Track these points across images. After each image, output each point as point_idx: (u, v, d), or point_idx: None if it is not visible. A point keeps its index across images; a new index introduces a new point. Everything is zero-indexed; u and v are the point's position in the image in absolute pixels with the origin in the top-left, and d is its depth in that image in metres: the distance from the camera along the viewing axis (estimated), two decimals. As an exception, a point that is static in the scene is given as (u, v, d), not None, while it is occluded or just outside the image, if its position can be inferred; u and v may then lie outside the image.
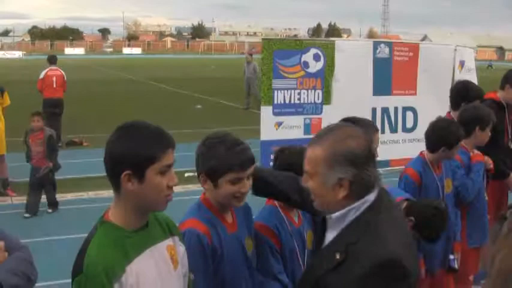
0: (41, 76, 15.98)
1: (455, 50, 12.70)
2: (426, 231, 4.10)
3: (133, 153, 2.44)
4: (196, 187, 8.42)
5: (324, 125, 10.92)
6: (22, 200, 10.10)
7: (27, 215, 9.81)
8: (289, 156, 3.70)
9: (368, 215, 2.50)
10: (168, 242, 2.72)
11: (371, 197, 2.53)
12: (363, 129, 3.89)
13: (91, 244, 2.48)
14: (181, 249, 2.80)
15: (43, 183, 10.07)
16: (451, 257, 5.15)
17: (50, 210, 10.10)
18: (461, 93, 6.36)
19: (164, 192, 2.52)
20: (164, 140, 2.52)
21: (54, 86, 15.94)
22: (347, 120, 3.96)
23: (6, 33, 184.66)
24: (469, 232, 5.50)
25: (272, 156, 12.64)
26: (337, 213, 2.55)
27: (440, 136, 4.91)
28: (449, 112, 6.62)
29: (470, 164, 5.49)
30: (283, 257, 3.54)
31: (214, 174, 3.02)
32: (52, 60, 16.56)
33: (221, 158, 2.99)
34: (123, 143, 2.48)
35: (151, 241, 2.61)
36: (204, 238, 2.99)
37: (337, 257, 2.45)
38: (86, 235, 2.57)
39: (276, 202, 3.63)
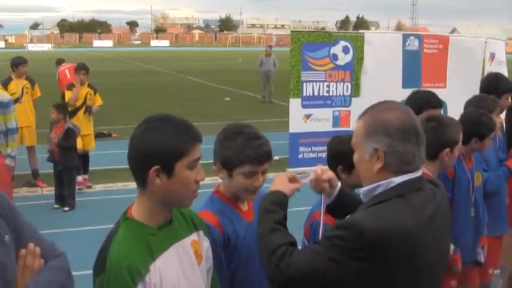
0: (57, 77, 16.04)
1: (486, 42, 12.56)
2: None
3: (162, 148, 2.36)
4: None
5: (352, 117, 10.94)
6: (52, 190, 10.17)
7: (56, 205, 9.90)
8: (338, 145, 3.71)
9: (387, 194, 2.45)
10: (193, 237, 2.67)
11: (404, 177, 2.47)
12: (446, 127, 3.94)
13: (113, 242, 2.40)
14: (205, 243, 2.75)
15: (62, 176, 9.89)
16: (478, 250, 5.09)
17: (66, 209, 9.80)
18: (491, 85, 6.27)
19: (192, 188, 2.46)
20: (192, 133, 2.45)
21: (69, 77, 15.96)
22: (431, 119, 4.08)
23: (35, 26, 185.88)
24: (489, 221, 5.40)
25: (300, 149, 12.62)
26: (365, 188, 2.56)
27: (471, 128, 4.83)
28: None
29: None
30: None
31: (229, 165, 2.98)
32: (59, 62, 17.07)
33: (237, 150, 2.94)
34: (150, 137, 2.40)
35: (175, 237, 2.55)
36: (214, 230, 2.94)
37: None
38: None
39: None
